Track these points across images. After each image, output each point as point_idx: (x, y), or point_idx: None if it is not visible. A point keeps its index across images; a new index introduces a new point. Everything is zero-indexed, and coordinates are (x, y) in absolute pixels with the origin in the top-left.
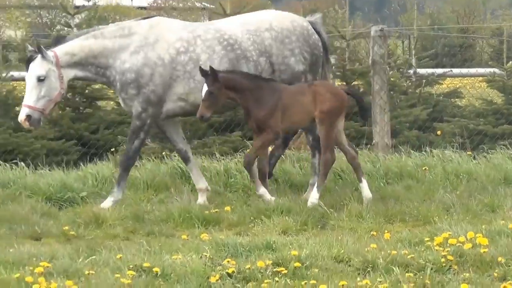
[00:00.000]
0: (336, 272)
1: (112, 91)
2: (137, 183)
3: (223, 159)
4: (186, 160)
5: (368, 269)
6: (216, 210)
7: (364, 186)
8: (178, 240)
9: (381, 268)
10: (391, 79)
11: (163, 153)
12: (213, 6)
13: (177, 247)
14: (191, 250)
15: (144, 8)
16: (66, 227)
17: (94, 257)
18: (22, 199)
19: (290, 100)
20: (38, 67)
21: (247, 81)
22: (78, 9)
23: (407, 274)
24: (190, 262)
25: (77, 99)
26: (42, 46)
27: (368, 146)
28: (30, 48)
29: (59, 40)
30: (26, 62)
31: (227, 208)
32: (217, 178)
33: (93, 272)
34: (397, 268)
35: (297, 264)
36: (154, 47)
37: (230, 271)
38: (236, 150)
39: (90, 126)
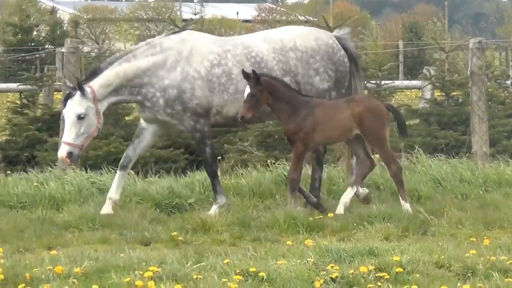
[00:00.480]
0: (437, 278)
1: None
2: (243, 191)
3: (326, 167)
4: (124, 167)
5: (468, 274)
6: (320, 216)
7: (349, 192)
8: (283, 246)
9: (481, 274)
10: (489, 89)
11: (268, 161)
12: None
13: (282, 252)
14: (296, 255)
15: (249, 21)
16: (175, 233)
17: (202, 262)
18: (132, 206)
19: (324, 115)
20: (77, 105)
21: (286, 90)
22: (186, 22)
23: (506, 279)
24: (295, 267)
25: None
26: (81, 83)
27: (467, 154)
28: (68, 84)
29: (96, 72)
30: (65, 99)
31: (331, 214)
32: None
33: (201, 277)
34: (496, 273)
35: (399, 269)
36: (189, 60)
37: (333, 276)
38: (338, 158)
39: None
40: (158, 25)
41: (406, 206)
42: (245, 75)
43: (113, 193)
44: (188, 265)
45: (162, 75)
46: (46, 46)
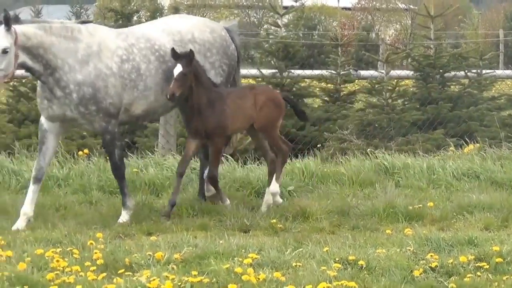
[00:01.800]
0: None
1: (318, 89)
2: (342, 179)
3: (426, 156)
4: (38, 180)
5: None
6: (419, 205)
7: (268, 191)
8: (382, 235)
9: None
10: None
11: (368, 149)
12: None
13: (381, 241)
14: (395, 244)
15: (349, 9)
16: (274, 220)
17: (301, 249)
18: (232, 192)
19: (234, 106)
20: (3, 38)
21: (207, 79)
22: (287, 9)
23: None
24: (394, 256)
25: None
26: (9, 18)
27: None
28: None
29: (17, 19)
30: None
31: (430, 204)
32: (420, 174)
33: (300, 264)
34: None
35: (499, 259)
36: (100, 56)
37: (433, 265)
38: (439, 147)
39: (297, 122)
40: (258, 12)
41: (275, 186)
42: (176, 54)
43: (28, 209)
44: (287, 252)
45: (74, 67)
46: None
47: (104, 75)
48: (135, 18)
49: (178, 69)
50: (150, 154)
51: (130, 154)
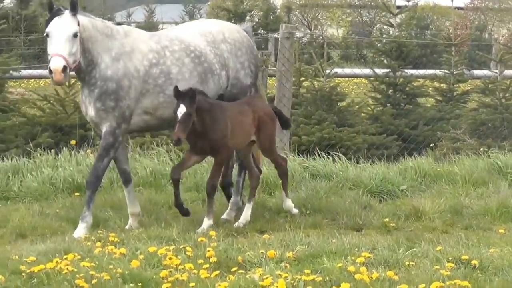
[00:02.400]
0: None
1: (431, 88)
2: (455, 178)
3: None
4: (127, 182)
5: None
6: None
7: (248, 207)
8: (495, 234)
9: None
10: None
11: (481, 149)
12: None
13: (494, 240)
14: (508, 244)
15: (461, 8)
16: (387, 219)
17: (413, 249)
18: (344, 192)
19: (235, 120)
20: (71, 23)
21: (206, 101)
22: (400, 9)
23: None
24: (507, 255)
25: (397, 95)
26: (76, 4)
27: None
28: (59, 6)
29: (76, 6)
30: (52, 14)
31: None
32: None
33: (413, 263)
34: None
35: None
36: (131, 57)
37: None
38: None
39: (410, 122)
40: (371, 11)
41: (289, 201)
42: (178, 93)
43: (134, 208)
44: (400, 251)
45: (106, 64)
46: (259, 32)
47: (130, 75)
48: (247, 17)
49: (182, 110)
50: None
51: None
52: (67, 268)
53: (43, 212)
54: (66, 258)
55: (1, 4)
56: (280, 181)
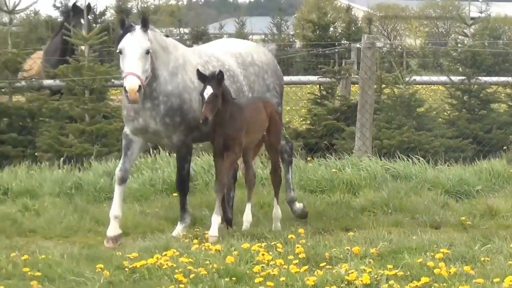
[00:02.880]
0: None
1: (504, 95)
2: None
3: None
4: (124, 180)
5: None
6: None
7: (248, 207)
8: None
9: None
10: None
11: None
12: None
13: None
14: None
15: None
16: (463, 217)
17: (488, 245)
18: (423, 192)
19: (251, 117)
20: (143, 39)
21: (229, 94)
22: (474, 20)
23: None
24: None
25: (472, 101)
26: (147, 20)
27: None
28: (130, 22)
29: (147, 21)
30: (124, 31)
31: None
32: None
33: (488, 259)
34: None
35: None
36: (185, 69)
37: None
38: None
39: (484, 126)
40: (446, 22)
41: (279, 210)
42: (203, 76)
43: (117, 211)
44: (475, 247)
45: (165, 78)
46: (342, 42)
47: (189, 88)
48: (331, 29)
49: (208, 91)
50: (348, 155)
51: (329, 155)
52: (166, 264)
53: (144, 212)
54: (165, 254)
55: (103, 17)
56: (363, 183)
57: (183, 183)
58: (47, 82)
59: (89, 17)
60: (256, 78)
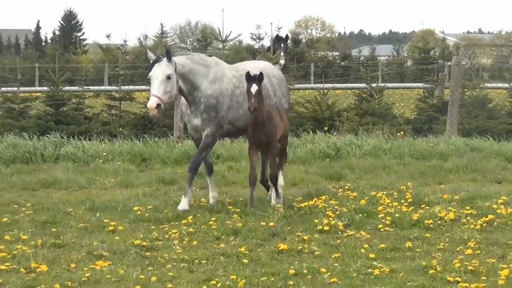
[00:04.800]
0: None
1: None
2: None
3: None
4: (211, 172)
5: None
6: None
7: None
8: None
9: None
10: None
11: None
12: None
13: None
14: None
15: None
16: None
17: None
18: (491, 159)
19: (278, 118)
20: (166, 67)
21: (263, 100)
22: None
23: None
24: None
25: None
26: (170, 53)
27: None
28: (157, 54)
29: (170, 53)
30: (153, 62)
31: None
32: None
33: None
34: None
35: None
36: (222, 80)
37: None
38: None
39: None
40: (508, 48)
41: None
42: (250, 76)
43: (215, 193)
44: None
45: (206, 86)
46: (439, 61)
47: (223, 94)
48: (431, 52)
49: (254, 88)
50: (441, 135)
51: (429, 135)
52: (321, 205)
53: (307, 171)
54: (320, 198)
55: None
56: (450, 153)
57: (195, 163)
58: None
59: (288, 43)
60: (277, 87)
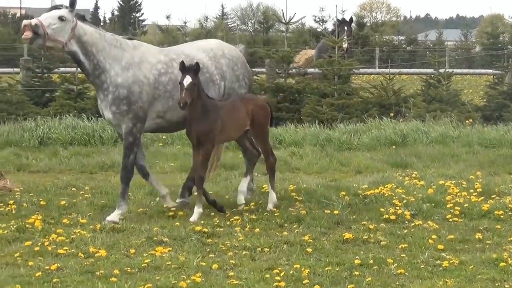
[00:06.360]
0: None
1: None
2: None
3: None
4: (146, 175)
5: None
6: None
7: (244, 182)
8: None
9: None
10: None
11: None
12: None
13: None
14: None
15: None
16: None
17: None
18: None
19: (228, 117)
20: (64, 12)
21: (203, 90)
22: None
23: None
24: None
25: None
26: (75, 4)
27: None
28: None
29: (82, 18)
30: (52, 7)
31: None
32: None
33: None
34: None
35: None
36: (140, 66)
37: None
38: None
39: None
40: None
41: (273, 195)
42: (184, 67)
43: (163, 190)
44: None
45: (118, 72)
46: (508, 46)
47: (139, 83)
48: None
49: (188, 79)
50: (511, 122)
51: (498, 123)
52: (387, 193)
53: (372, 157)
54: (386, 186)
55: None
56: None
57: (126, 171)
58: (310, 70)
59: (352, 26)
60: (227, 69)
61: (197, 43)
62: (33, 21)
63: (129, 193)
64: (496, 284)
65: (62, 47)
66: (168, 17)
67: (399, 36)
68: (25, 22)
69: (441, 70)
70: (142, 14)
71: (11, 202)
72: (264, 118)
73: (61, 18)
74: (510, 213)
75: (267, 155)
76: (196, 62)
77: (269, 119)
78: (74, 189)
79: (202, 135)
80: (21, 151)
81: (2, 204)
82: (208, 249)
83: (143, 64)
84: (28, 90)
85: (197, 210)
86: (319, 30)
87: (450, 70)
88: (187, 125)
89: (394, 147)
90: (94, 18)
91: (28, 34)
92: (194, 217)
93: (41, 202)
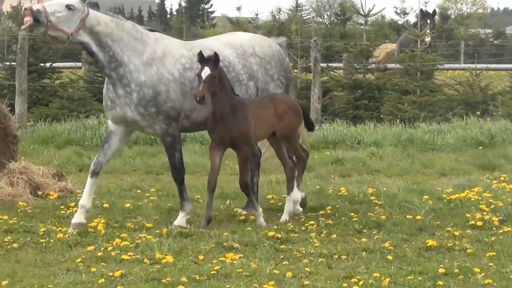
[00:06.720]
0: None
1: None
2: None
3: None
4: (96, 173)
5: None
6: None
7: (289, 199)
8: None
9: None
10: None
11: None
12: None
13: None
14: None
15: None
16: None
17: None
18: None
19: (255, 115)
20: (75, 1)
21: (229, 85)
22: None
23: None
24: None
25: None
26: None
27: None
28: None
29: (96, 5)
30: None
31: None
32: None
33: None
34: None
35: None
36: (163, 61)
37: None
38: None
39: None
40: None
41: (296, 194)
42: (202, 58)
43: (86, 201)
44: None
45: (139, 68)
46: None
47: (166, 81)
48: None
49: (206, 71)
50: None
51: None
52: (474, 197)
53: (457, 159)
54: (472, 190)
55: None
56: None
57: (176, 171)
58: (390, 65)
59: (435, 19)
60: (258, 68)
61: (225, 36)
62: (35, 6)
63: (197, 196)
64: None
65: (67, 38)
66: (238, 9)
67: (486, 29)
68: (26, 6)
69: None
70: (211, 5)
71: (72, 204)
72: (294, 120)
73: (68, 7)
74: None
75: (297, 153)
76: (215, 52)
77: (301, 122)
78: (139, 191)
79: (236, 138)
80: (83, 150)
81: (63, 207)
82: (282, 256)
83: (166, 59)
84: (91, 85)
85: (258, 214)
86: (400, 22)
87: None
88: (210, 123)
89: (481, 148)
90: (160, 10)
91: (28, 19)
92: (260, 220)
93: (104, 205)
